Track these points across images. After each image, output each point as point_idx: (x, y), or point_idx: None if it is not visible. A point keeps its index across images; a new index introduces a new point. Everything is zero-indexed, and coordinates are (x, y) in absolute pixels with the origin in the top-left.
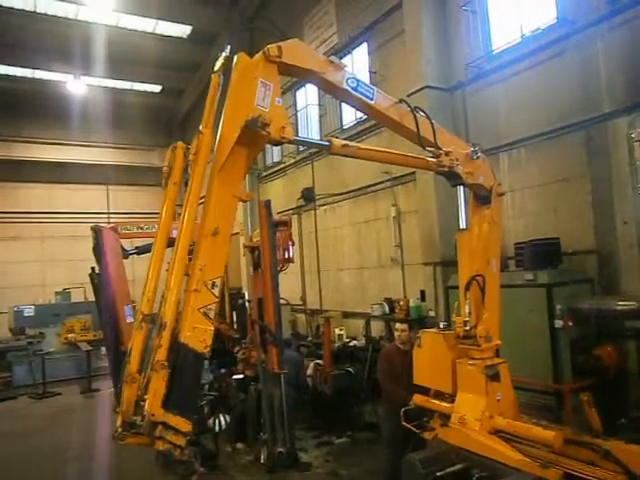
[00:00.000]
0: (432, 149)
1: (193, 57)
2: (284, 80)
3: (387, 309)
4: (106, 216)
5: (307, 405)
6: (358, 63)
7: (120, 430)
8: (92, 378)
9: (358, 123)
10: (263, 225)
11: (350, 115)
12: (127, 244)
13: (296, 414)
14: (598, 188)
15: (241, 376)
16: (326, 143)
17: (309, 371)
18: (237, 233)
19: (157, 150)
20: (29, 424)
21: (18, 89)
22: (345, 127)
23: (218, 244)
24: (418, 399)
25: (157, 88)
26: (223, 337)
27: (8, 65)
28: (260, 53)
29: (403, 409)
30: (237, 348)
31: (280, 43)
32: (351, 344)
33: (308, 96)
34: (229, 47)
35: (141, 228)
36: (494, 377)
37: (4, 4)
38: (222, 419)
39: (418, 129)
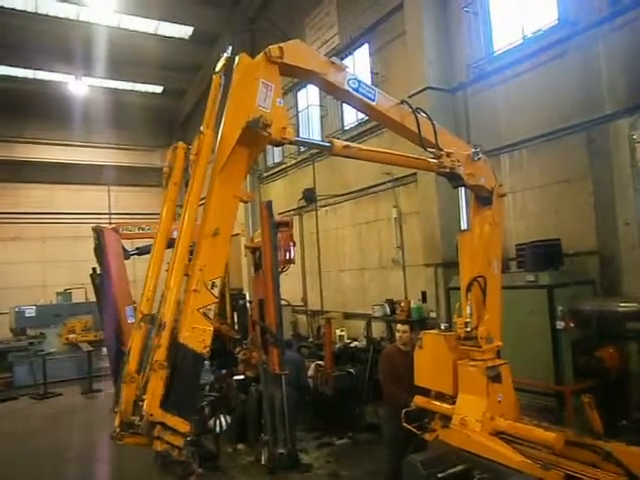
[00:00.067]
0: (433, 150)
1: (194, 58)
2: (285, 81)
3: (388, 310)
4: (107, 217)
5: (308, 406)
6: (359, 64)
7: (118, 430)
8: (93, 379)
9: (359, 124)
10: (264, 226)
11: (351, 116)
12: (128, 245)
13: (297, 415)
14: (600, 189)
15: (242, 377)
16: (327, 144)
17: (310, 372)
18: (238, 234)
19: (158, 151)
20: (30, 425)
21: (19, 90)
22: (346, 128)
23: (218, 244)
24: (419, 400)
25: (158, 89)
26: (224, 338)
27: (10, 66)
28: (262, 54)
29: (404, 410)
30: (238, 349)
31: (281, 44)
32: (352, 345)
33: (309, 97)
34: (230, 48)
35: (142, 229)
36: (495, 378)
37: (5, 5)
38: (223, 420)
39: (419, 130)
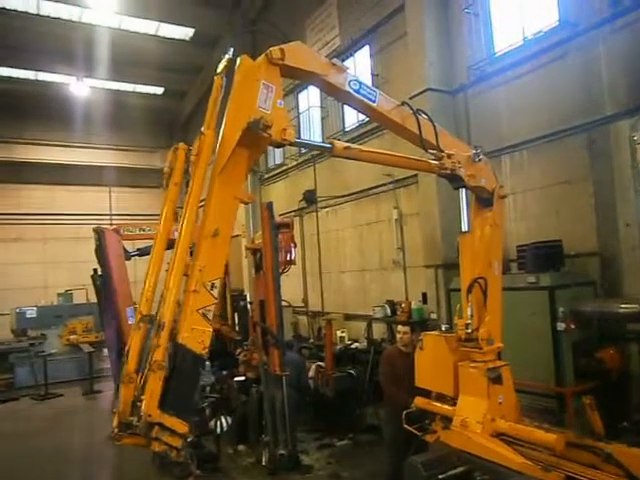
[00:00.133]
0: (434, 151)
1: (195, 59)
2: (286, 82)
3: (389, 311)
4: (108, 218)
5: (309, 407)
6: (360, 66)
7: (116, 430)
8: (94, 379)
9: (360, 125)
10: (265, 227)
11: (352, 117)
12: (129, 246)
13: (298, 416)
14: (600, 191)
15: (243, 378)
16: (328, 145)
17: (311, 373)
18: (239, 235)
19: (159, 152)
20: (31, 425)
21: (21, 91)
22: (347, 129)
23: (218, 245)
24: (420, 402)
25: (159, 90)
26: (225, 339)
27: (11, 67)
28: (263, 55)
29: (405, 412)
30: (239, 350)
31: (283, 45)
32: (353, 346)
33: (310, 98)
34: (232, 49)
35: (143, 230)
36: (496, 380)
37: (7, 7)
38: (224, 421)
39: (420, 131)
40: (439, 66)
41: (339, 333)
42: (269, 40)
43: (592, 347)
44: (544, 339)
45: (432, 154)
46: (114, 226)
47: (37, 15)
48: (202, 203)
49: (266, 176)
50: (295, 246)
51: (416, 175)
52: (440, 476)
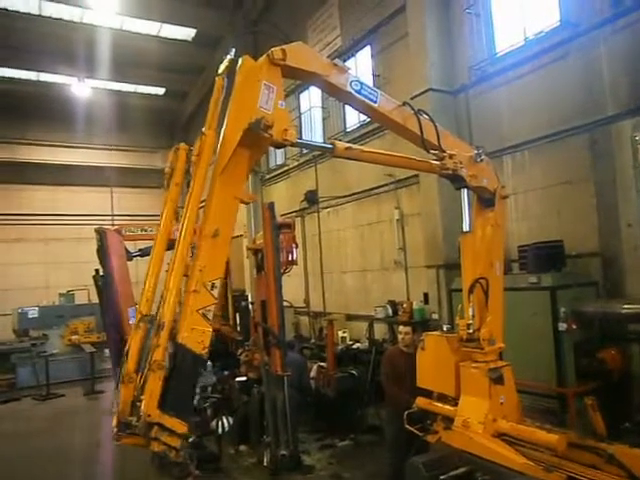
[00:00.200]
0: (436, 152)
1: (197, 60)
2: (288, 83)
3: (390, 312)
4: (110, 218)
5: (310, 408)
6: (362, 66)
7: (116, 430)
8: (96, 380)
9: (361, 126)
10: (266, 227)
11: (353, 118)
12: (131, 246)
13: (299, 417)
14: (602, 191)
15: (244, 378)
16: (329, 146)
17: (312, 373)
18: (240, 235)
19: (160, 152)
20: (32, 425)
21: (22, 92)
22: (348, 130)
23: (218, 246)
24: (421, 402)
25: (161, 91)
26: (226, 339)
27: (13, 68)
28: (264, 56)
29: (406, 412)
30: (240, 350)
31: (284, 46)
32: (354, 347)
33: (312, 99)
34: (233, 50)
35: (145, 230)
36: (497, 380)
37: (9, 7)
38: (225, 421)
39: (422, 132)
40: (440, 66)
41: (340, 333)
42: (270, 41)
43: (594, 347)
44: (546, 339)
45: (434, 154)
46: (116, 226)
47: (39, 16)
48: (203, 203)
49: (267, 176)
50: (296, 246)
51: (417, 175)
52: (441, 477)
